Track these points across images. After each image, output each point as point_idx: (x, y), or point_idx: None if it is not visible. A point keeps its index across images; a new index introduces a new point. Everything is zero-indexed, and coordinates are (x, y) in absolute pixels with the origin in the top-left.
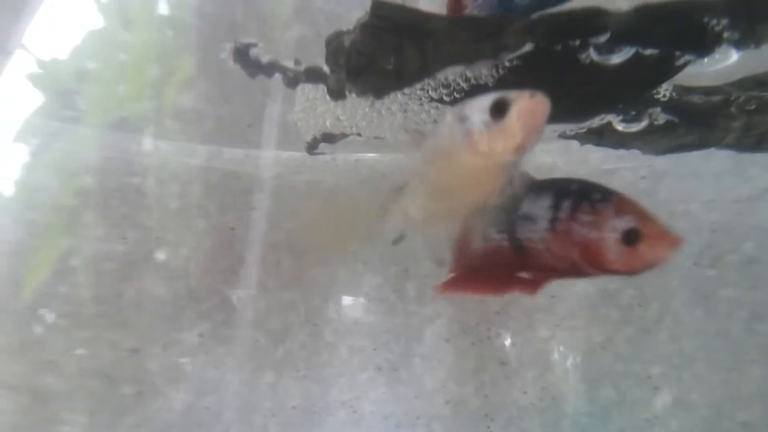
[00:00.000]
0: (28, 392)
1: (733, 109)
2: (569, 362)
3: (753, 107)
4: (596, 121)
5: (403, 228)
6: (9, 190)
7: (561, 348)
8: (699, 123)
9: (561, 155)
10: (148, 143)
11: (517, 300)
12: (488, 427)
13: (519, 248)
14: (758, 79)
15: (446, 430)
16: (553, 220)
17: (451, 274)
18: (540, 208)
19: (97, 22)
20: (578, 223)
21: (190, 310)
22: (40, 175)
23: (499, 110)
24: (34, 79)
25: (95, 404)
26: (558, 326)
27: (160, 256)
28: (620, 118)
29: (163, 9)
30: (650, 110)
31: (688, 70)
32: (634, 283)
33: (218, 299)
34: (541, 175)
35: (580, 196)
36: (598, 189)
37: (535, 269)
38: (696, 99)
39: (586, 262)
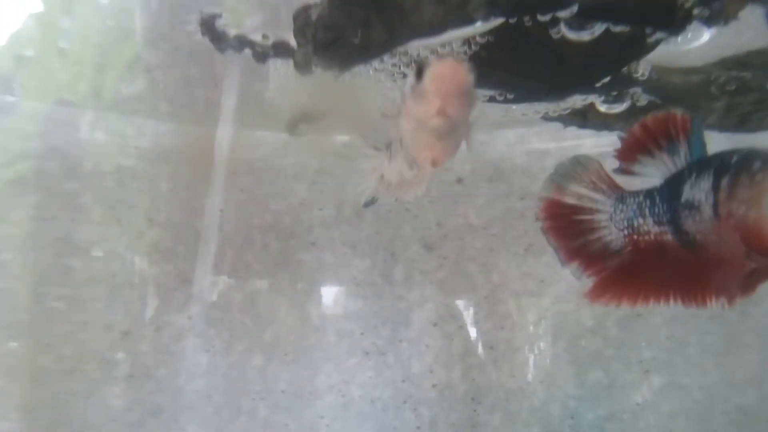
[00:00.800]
0: (28, 373)
1: (713, 90)
2: (558, 346)
3: (734, 87)
4: (579, 102)
5: (377, 191)
6: None
7: (550, 332)
8: (681, 104)
9: (553, 141)
10: (140, 125)
11: (505, 284)
12: (475, 410)
13: (687, 242)
14: (740, 59)
15: (433, 414)
16: (715, 204)
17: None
18: (701, 191)
19: (37, 6)
20: (737, 200)
21: (180, 293)
22: None
23: (419, 74)
24: None
25: (90, 387)
26: (547, 310)
27: (151, 237)
28: (602, 98)
29: None
30: (631, 91)
31: (672, 49)
32: None
33: (207, 282)
34: (533, 161)
35: (738, 169)
36: (760, 156)
37: (710, 267)
38: (676, 79)
39: (752, 247)
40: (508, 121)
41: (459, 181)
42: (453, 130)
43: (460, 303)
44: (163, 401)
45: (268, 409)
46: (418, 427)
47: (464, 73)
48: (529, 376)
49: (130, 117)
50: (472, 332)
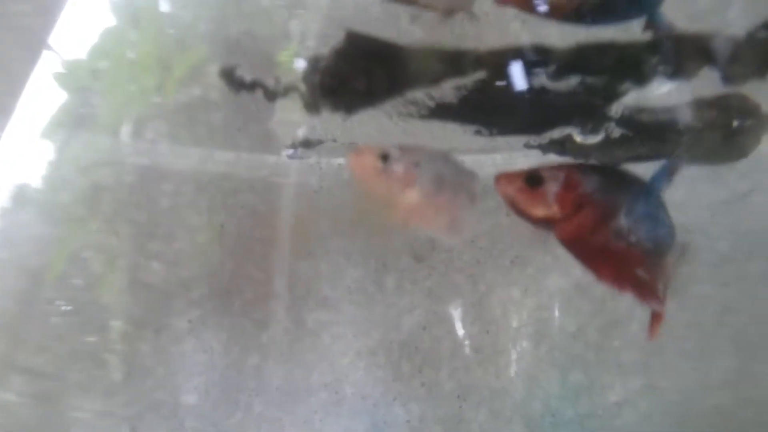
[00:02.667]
0: (24, 372)
1: (681, 127)
2: (541, 350)
3: (700, 126)
4: (557, 133)
5: None
6: (37, 184)
7: (533, 337)
8: (650, 138)
9: (538, 160)
10: (145, 146)
11: (491, 292)
12: (460, 406)
13: None
14: (707, 101)
15: (421, 409)
16: None
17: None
18: None
19: (111, 20)
20: None
21: (181, 299)
22: (63, 171)
23: None
24: (58, 78)
25: (88, 383)
26: (531, 316)
27: (155, 248)
28: (579, 130)
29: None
30: (606, 125)
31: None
32: None
33: (207, 288)
34: None
35: None
36: None
37: None
38: (645, 117)
39: None
40: (495, 146)
41: None
42: None
43: (447, 309)
44: (162, 397)
45: (263, 405)
46: (408, 421)
47: (369, 167)
48: (513, 377)
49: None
50: (459, 336)
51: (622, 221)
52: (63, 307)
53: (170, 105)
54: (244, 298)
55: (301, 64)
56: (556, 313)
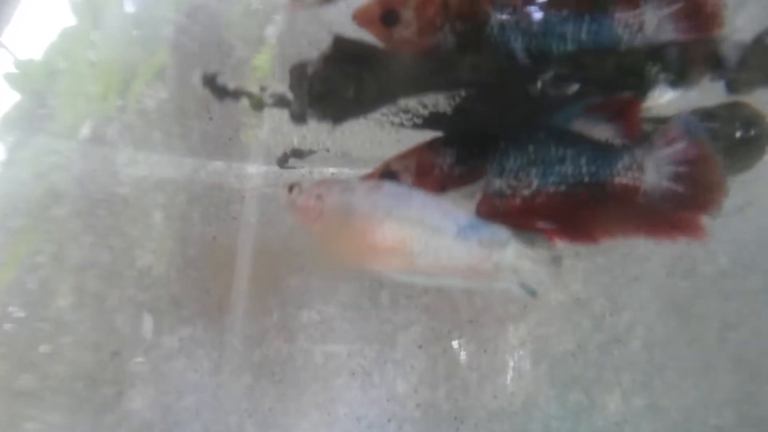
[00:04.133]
0: (10, 391)
1: None
2: (540, 369)
3: None
4: None
5: None
6: None
7: (532, 355)
8: None
9: None
10: (135, 156)
11: (488, 309)
12: (457, 429)
13: None
14: (709, 111)
15: (416, 431)
16: None
17: None
18: None
19: (70, 20)
20: None
21: (171, 316)
22: (17, 174)
23: None
24: (9, 78)
25: (78, 403)
26: (530, 334)
27: (144, 263)
28: None
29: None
30: None
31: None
32: (606, 293)
33: (199, 306)
34: None
35: None
36: None
37: None
38: (645, 128)
39: None
40: None
41: None
42: None
43: (444, 326)
44: (152, 417)
45: (255, 426)
46: None
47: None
48: (511, 397)
49: (122, 148)
50: (456, 354)
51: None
52: (15, 314)
53: (134, 109)
54: (235, 314)
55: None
56: (555, 331)
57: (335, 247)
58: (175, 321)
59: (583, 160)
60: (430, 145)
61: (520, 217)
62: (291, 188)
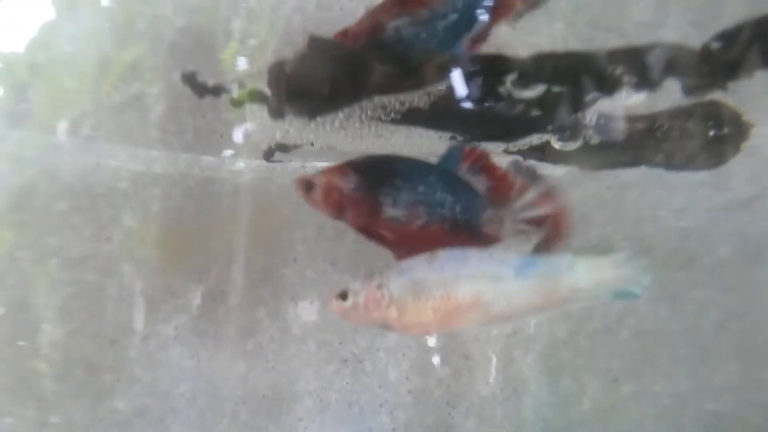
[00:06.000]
0: (17, 375)
1: (658, 135)
2: (531, 357)
3: (677, 134)
4: (536, 140)
5: None
6: None
7: (523, 343)
8: (628, 145)
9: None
10: (132, 151)
11: None
12: (449, 414)
13: None
14: (685, 109)
15: (408, 417)
16: None
17: None
18: None
19: (50, 14)
20: None
21: (167, 305)
22: None
23: None
24: None
25: (79, 389)
26: (521, 323)
27: (141, 254)
28: (557, 137)
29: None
30: (584, 131)
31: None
32: None
33: (194, 295)
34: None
35: None
36: None
37: None
38: (620, 125)
39: None
40: None
41: None
42: None
43: None
44: (150, 404)
45: (249, 413)
46: (394, 429)
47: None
48: (503, 384)
49: (122, 144)
50: (448, 343)
51: (401, 206)
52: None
53: (107, 102)
54: (229, 304)
55: (242, 63)
56: (546, 320)
57: (415, 322)
58: (171, 310)
59: (458, 208)
60: (341, 168)
61: (410, 244)
62: (343, 296)
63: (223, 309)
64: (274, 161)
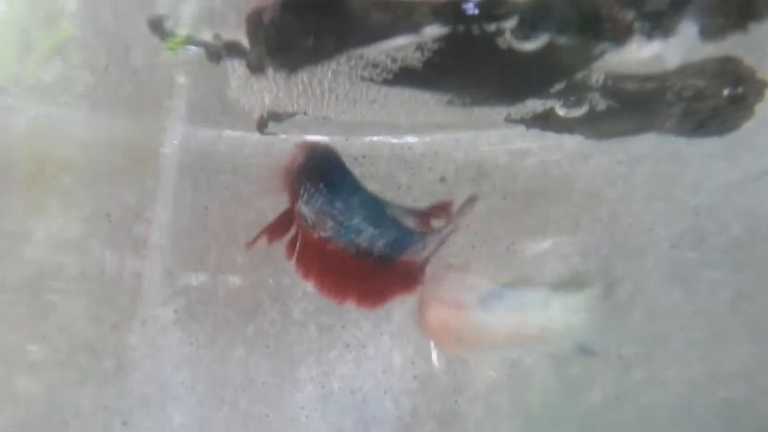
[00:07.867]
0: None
1: (669, 96)
2: None
3: (690, 95)
4: (539, 106)
5: None
6: None
7: None
8: (637, 108)
9: (535, 140)
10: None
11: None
12: (456, 401)
13: None
14: (698, 66)
15: (413, 404)
16: None
17: None
18: None
19: None
20: None
21: (166, 287)
22: None
23: None
24: None
25: (82, 376)
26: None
27: (139, 234)
28: (561, 103)
29: None
30: (589, 96)
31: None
32: (605, 266)
33: (193, 277)
34: (515, 161)
35: None
36: None
37: None
38: (630, 86)
39: None
40: (491, 122)
41: (442, 180)
42: None
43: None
44: (151, 391)
45: (249, 400)
46: (399, 417)
47: None
48: (510, 371)
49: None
50: None
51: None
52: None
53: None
54: (228, 287)
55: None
56: None
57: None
58: (170, 292)
59: (381, 242)
60: (300, 147)
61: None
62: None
63: (223, 292)
64: (268, 133)
